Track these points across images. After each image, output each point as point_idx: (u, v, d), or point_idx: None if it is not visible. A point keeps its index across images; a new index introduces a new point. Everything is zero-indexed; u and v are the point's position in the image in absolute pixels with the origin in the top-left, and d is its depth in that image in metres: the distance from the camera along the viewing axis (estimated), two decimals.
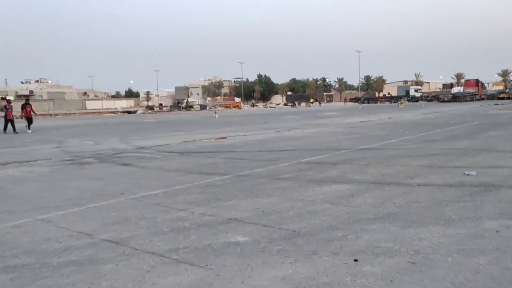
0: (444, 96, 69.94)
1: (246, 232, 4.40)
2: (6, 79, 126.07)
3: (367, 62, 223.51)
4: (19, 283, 3.31)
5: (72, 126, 27.84)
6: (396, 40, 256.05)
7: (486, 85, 77.51)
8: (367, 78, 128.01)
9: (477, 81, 73.12)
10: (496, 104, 43.85)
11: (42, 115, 47.34)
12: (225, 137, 15.56)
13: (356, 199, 5.70)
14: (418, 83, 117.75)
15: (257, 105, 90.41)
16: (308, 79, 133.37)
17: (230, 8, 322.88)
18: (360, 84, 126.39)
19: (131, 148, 13.00)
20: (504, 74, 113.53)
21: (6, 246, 4.13)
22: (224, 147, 12.50)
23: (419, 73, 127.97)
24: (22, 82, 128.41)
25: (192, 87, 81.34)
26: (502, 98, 66.25)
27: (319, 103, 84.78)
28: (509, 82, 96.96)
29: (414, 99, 77.66)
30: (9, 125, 21.63)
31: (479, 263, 3.45)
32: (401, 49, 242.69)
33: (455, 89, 77.01)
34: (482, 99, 69.18)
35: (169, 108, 73.64)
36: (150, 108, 75.53)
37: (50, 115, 55.34)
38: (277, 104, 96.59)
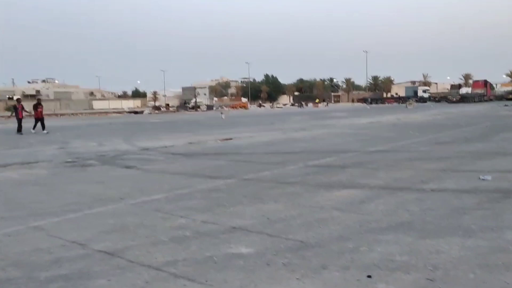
0: (453, 97, 69.42)
1: (250, 242, 4.11)
2: (13, 79, 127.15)
3: (375, 62, 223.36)
4: None
5: (77, 127, 27.71)
6: (403, 40, 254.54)
7: (494, 85, 76.74)
8: (375, 78, 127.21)
9: (485, 81, 72.49)
10: (505, 105, 43.15)
11: (48, 115, 47.32)
12: (231, 138, 15.30)
13: (367, 205, 5.38)
14: (426, 83, 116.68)
15: (264, 106, 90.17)
16: (315, 79, 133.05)
17: (236, 8, 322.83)
18: (368, 85, 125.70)
19: (134, 150, 12.77)
20: None
21: None
22: (229, 149, 12.25)
23: (427, 74, 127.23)
24: (28, 82, 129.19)
25: (199, 87, 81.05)
26: (511, 99, 65.42)
27: (327, 103, 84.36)
28: None
29: (422, 100, 76.85)
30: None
31: (506, 281, 3.10)
32: (409, 49, 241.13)
33: (463, 90, 76.45)
34: (491, 100, 68.50)
35: (176, 108, 73.51)
36: (157, 108, 75.47)
37: (56, 115, 55.40)
38: (284, 105, 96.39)
